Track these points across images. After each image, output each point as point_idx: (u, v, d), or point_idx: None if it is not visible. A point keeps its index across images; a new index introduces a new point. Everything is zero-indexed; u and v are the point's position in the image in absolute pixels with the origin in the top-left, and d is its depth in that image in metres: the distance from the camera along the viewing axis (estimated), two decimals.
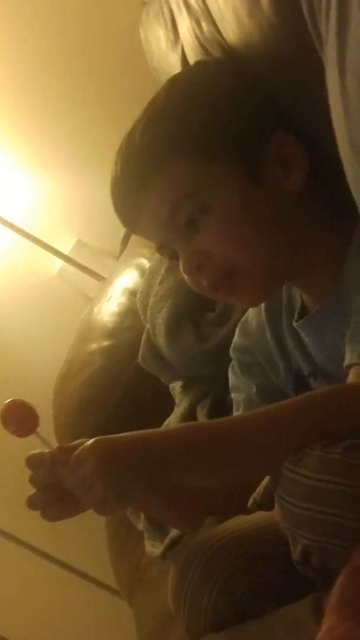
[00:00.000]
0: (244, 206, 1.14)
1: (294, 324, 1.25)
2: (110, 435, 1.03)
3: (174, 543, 1.67)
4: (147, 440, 1.03)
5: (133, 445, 1.02)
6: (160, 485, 1.05)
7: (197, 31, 1.34)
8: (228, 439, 1.04)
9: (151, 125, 1.16)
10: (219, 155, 1.13)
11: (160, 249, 1.22)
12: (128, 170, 1.17)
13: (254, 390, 1.34)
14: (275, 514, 1.02)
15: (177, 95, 1.18)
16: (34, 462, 1.05)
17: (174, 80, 1.25)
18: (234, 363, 1.39)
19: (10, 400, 1.11)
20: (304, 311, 1.25)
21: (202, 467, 1.05)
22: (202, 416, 1.80)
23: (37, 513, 1.06)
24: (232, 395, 1.38)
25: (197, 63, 1.31)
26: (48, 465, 1.04)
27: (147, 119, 1.17)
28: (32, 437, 1.08)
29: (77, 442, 1.06)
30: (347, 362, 1.09)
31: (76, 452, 1.01)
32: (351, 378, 1.08)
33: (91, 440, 1.02)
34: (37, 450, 1.06)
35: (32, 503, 1.05)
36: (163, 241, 1.20)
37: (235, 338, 1.39)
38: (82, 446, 1.01)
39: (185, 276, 1.18)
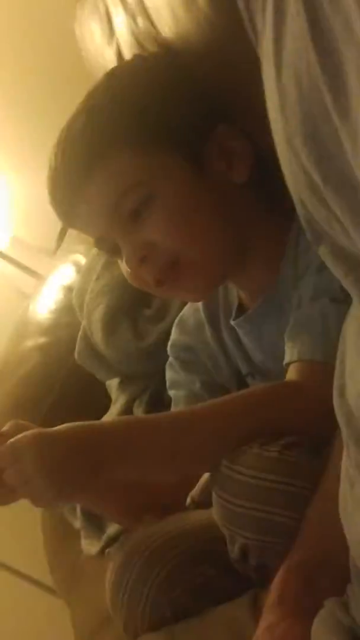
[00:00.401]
0: (189, 196, 1.13)
1: (232, 322, 1.25)
2: (48, 429, 1.02)
3: (111, 541, 1.66)
4: (87, 434, 1.02)
5: (72, 441, 1.01)
6: (100, 481, 1.04)
7: (133, 26, 1.33)
8: (169, 433, 1.04)
9: (94, 115, 1.14)
10: (162, 146, 1.12)
11: (99, 242, 1.20)
12: (70, 161, 1.14)
13: (198, 385, 1.33)
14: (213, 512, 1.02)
15: (119, 86, 1.16)
16: None
17: (114, 72, 1.24)
18: (172, 361, 1.38)
19: None
20: (241, 309, 1.25)
21: (141, 462, 1.04)
22: (139, 413, 1.80)
23: None
24: (171, 392, 1.37)
25: (136, 56, 1.29)
26: None
27: (88, 110, 1.15)
28: None
29: (10, 425, 1.05)
30: (286, 359, 1.09)
31: (13, 443, 1.00)
32: (291, 375, 1.09)
33: (29, 433, 1.00)
34: None
35: None
36: (104, 234, 1.17)
37: (174, 336, 1.39)
38: (19, 438, 1.00)
39: (127, 270, 1.16)
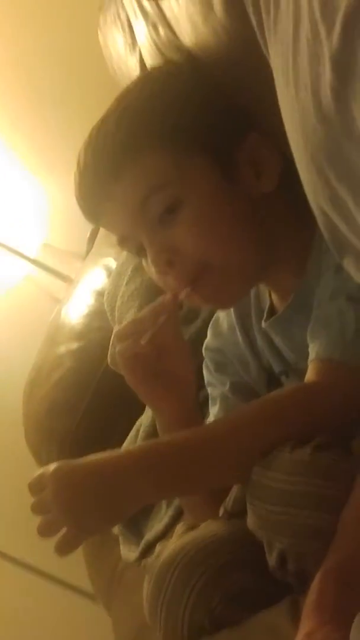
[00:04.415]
0: (218, 202, 1.13)
1: (263, 324, 1.25)
2: (71, 461, 1.04)
3: (150, 546, 1.66)
4: (106, 468, 1.03)
5: (90, 475, 1.02)
6: (121, 516, 1.06)
7: (154, 35, 1.33)
8: (192, 456, 1.05)
9: (127, 115, 1.14)
10: (194, 150, 1.12)
11: (123, 241, 1.19)
12: (100, 158, 1.14)
13: (228, 386, 1.34)
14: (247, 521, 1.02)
15: (154, 89, 1.16)
16: None
17: (149, 75, 1.26)
18: (207, 361, 1.38)
19: None
20: (272, 310, 1.25)
21: (166, 488, 1.06)
22: None
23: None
24: (208, 389, 1.38)
25: (170, 62, 1.29)
26: None
27: (122, 110, 1.15)
28: None
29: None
30: (309, 358, 1.10)
31: (41, 473, 1.02)
32: (310, 374, 1.09)
33: (54, 464, 1.02)
34: None
35: None
36: (129, 232, 1.16)
37: (208, 338, 1.39)
38: (47, 468, 1.02)
39: (152, 270, 1.16)
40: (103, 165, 1.14)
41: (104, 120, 1.16)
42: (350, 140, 0.66)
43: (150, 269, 1.16)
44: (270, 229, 1.16)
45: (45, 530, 1.02)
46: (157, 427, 1.26)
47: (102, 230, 2.40)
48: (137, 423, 1.98)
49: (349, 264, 0.82)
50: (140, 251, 1.17)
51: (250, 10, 0.85)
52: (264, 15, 0.81)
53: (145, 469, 1.02)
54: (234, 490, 1.11)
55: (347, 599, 0.86)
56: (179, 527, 1.15)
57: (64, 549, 1.03)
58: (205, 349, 1.39)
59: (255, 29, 0.84)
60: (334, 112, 0.66)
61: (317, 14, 0.66)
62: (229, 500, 1.11)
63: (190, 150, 1.12)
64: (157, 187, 1.11)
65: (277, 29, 0.76)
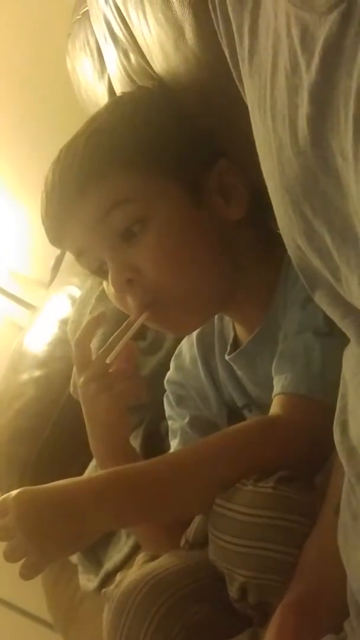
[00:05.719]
0: (183, 226, 1.11)
1: (226, 357, 1.24)
2: (34, 487, 1.03)
3: (109, 576, 1.65)
4: (68, 495, 1.02)
5: (53, 501, 1.01)
6: (83, 542, 1.05)
7: (125, 62, 1.33)
8: (155, 484, 1.03)
9: (97, 135, 1.13)
10: (162, 172, 1.11)
11: (81, 256, 1.17)
12: (68, 177, 1.12)
13: (187, 420, 1.33)
14: (209, 552, 1.01)
15: (124, 112, 1.16)
16: None
17: (119, 99, 1.25)
18: (169, 394, 1.38)
19: None
20: (236, 343, 1.24)
21: (127, 516, 1.05)
22: (135, 445, 1.79)
23: None
24: (169, 422, 1.38)
25: (142, 87, 1.28)
26: None
27: (91, 131, 1.14)
28: None
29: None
30: (274, 392, 1.09)
31: (4, 498, 1.01)
32: (274, 408, 1.08)
33: (17, 490, 1.01)
34: None
35: None
36: (89, 245, 1.15)
37: (170, 371, 1.38)
38: (9, 494, 1.01)
39: (111, 290, 1.14)
40: (69, 183, 1.12)
41: (73, 141, 1.15)
42: (327, 175, 0.66)
43: (110, 288, 1.14)
44: (236, 258, 1.15)
45: (10, 556, 1.01)
46: (94, 455, 1.26)
47: (66, 259, 2.40)
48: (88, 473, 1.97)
49: (320, 298, 0.81)
50: (99, 270, 1.16)
51: (223, 41, 0.85)
52: (237, 46, 0.81)
53: (106, 495, 1.01)
54: (196, 521, 1.10)
55: (307, 632, 0.86)
56: (140, 557, 1.15)
57: (28, 573, 1.02)
58: (167, 381, 1.38)
59: (228, 59, 0.84)
60: (310, 145, 0.66)
61: (297, 44, 0.65)
62: (191, 531, 1.11)
63: (158, 173, 1.11)
64: (120, 201, 1.10)
65: (252, 60, 0.76)
